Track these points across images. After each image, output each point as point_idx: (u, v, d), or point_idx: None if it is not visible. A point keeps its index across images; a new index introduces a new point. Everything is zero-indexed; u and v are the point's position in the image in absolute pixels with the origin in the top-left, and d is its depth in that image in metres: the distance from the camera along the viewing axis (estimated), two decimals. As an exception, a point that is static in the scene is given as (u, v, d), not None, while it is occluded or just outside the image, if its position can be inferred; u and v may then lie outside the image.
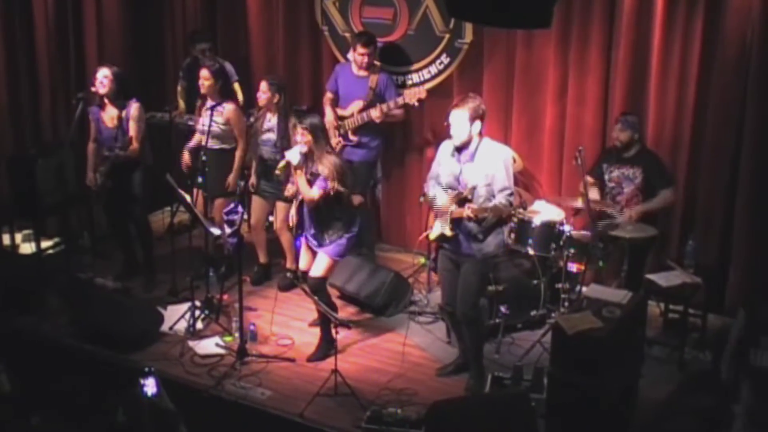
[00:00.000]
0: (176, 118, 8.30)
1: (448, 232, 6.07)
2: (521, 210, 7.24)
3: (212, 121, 7.53)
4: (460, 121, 6.02)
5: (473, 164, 6.05)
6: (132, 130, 7.57)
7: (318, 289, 6.74)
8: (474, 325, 6.39)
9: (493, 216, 5.95)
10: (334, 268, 6.97)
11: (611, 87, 7.53)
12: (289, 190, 7.00)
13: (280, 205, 7.60)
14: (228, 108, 7.64)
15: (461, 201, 6.00)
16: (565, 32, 7.59)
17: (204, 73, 7.60)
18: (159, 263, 8.00)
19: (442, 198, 6.17)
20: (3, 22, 8.44)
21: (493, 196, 6.00)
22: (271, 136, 7.48)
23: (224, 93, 7.80)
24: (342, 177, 6.62)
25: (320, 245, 6.76)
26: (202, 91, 7.65)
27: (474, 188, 5.98)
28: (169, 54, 9.56)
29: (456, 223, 6.06)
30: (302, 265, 6.98)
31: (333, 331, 6.54)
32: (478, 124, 6.03)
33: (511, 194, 6.06)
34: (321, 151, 6.60)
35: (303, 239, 6.94)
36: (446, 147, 6.24)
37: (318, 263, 6.79)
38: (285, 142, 7.36)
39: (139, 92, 7.86)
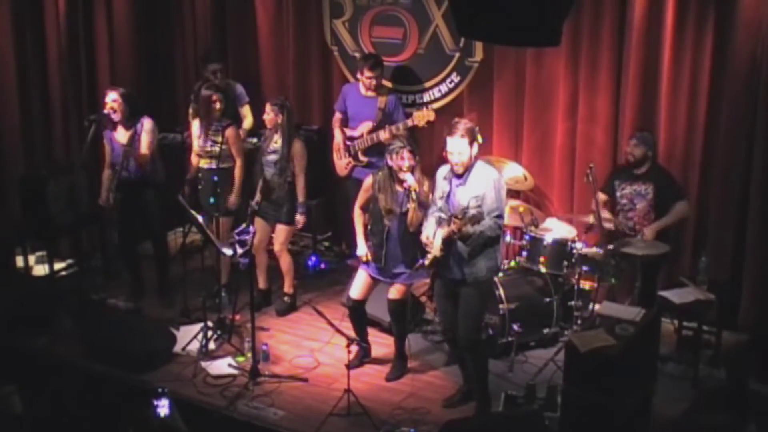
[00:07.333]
0: (187, 139, 8.32)
1: (438, 253, 6.00)
2: (533, 227, 7.29)
3: (212, 141, 7.58)
4: (462, 149, 5.96)
5: (465, 187, 6.01)
6: (144, 141, 7.56)
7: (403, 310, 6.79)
8: (476, 351, 6.26)
9: (472, 226, 5.84)
10: None
11: (621, 104, 7.52)
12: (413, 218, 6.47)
13: (280, 227, 7.56)
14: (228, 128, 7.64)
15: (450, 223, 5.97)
16: (575, 49, 7.60)
17: (215, 95, 7.60)
18: (171, 283, 8.01)
19: (431, 225, 6.12)
20: (15, 42, 8.48)
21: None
22: (275, 157, 7.45)
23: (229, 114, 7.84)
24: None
25: (409, 269, 6.57)
26: (213, 113, 7.60)
27: (465, 209, 5.93)
28: (180, 75, 9.60)
29: (446, 245, 5.99)
30: (358, 294, 6.83)
31: (406, 348, 6.54)
32: (476, 146, 6.03)
33: (499, 216, 5.99)
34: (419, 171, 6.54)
35: (370, 271, 6.76)
36: (442, 171, 6.22)
37: (398, 288, 6.72)
38: (284, 162, 7.37)
39: (150, 113, 7.87)
